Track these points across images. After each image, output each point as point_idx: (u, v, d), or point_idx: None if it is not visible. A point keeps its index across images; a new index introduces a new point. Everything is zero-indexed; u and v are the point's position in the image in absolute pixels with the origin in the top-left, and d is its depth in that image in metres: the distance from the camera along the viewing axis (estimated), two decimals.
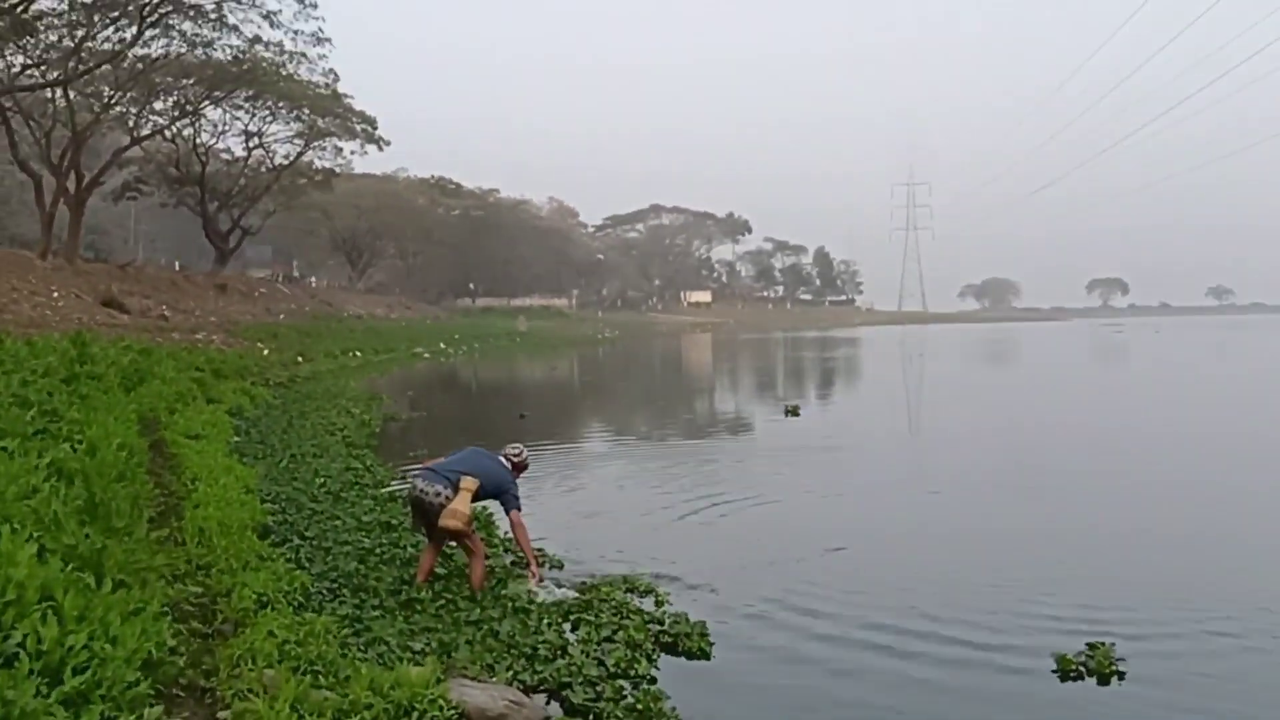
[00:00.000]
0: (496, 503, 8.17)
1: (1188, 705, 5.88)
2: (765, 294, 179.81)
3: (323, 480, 12.68)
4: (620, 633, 6.67)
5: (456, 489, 7.56)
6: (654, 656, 6.36)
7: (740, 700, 5.93)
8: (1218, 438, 18.77)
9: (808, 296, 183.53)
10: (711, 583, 8.45)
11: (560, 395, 34.34)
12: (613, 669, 6.08)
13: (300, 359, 36.89)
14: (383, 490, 12.62)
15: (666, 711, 5.37)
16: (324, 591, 7.60)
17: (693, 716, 5.48)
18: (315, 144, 58.63)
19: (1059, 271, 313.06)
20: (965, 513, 11.86)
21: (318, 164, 61.53)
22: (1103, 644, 6.26)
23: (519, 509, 7.95)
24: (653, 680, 6.05)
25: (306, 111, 53.96)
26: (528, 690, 5.83)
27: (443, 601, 7.36)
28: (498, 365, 51.50)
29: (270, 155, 58.69)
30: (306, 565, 8.29)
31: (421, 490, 7.67)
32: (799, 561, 9.25)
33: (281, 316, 51.58)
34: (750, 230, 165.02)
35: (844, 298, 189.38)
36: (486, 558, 8.52)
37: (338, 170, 64.02)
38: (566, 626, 7.00)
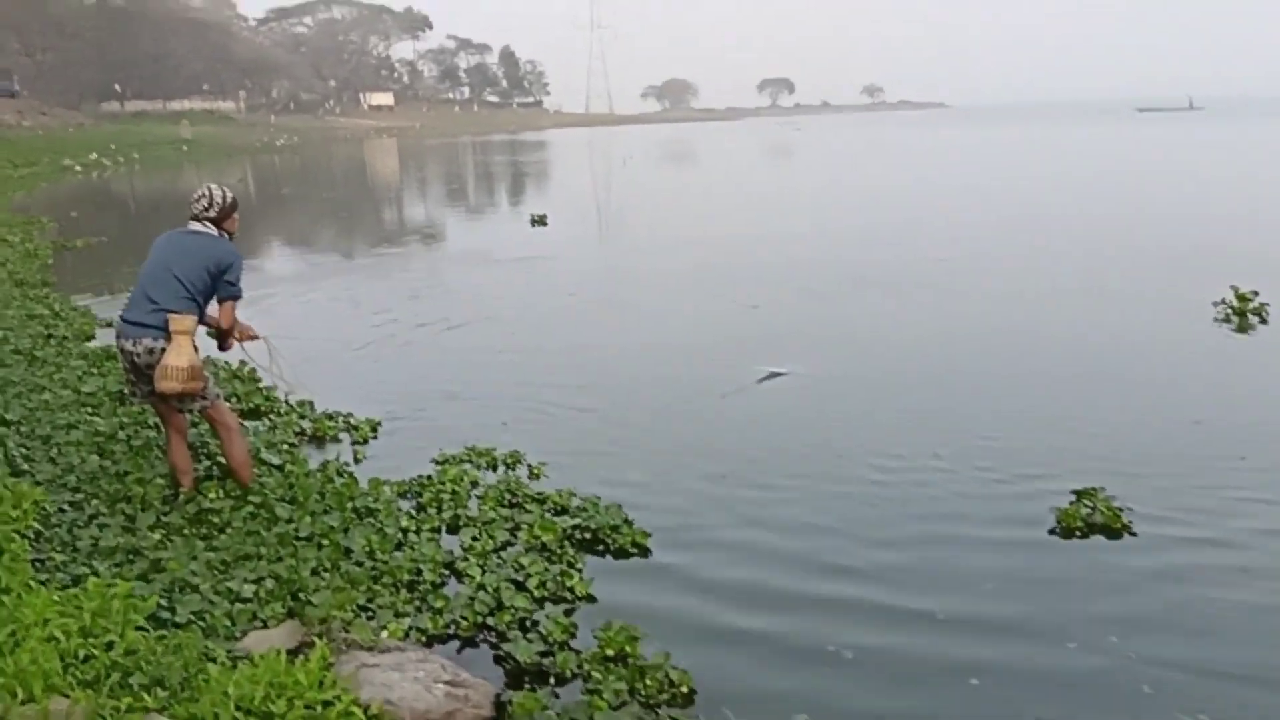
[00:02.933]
0: None
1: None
2: (451, 96, 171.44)
3: (1, 334, 9.78)
4: (522, 533, 5.02)
5: (168, 333, 5.19)
6: (578, 564, 4.77)
7: (727, 616, 4.47)
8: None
9: (494, 99, 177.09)
10: (567, 442, 6.90)
11: (261, 208, 30.37)
12: (538, 592, 4.48)
13: None
14: (90, 344, 9.92)
15: (660, 661, 3.83)
16: (67, 509, 5.37)
17: (697, 666, 3.97)
18: None
19: (732, 72, 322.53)
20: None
21: None
22: (1092, 490, 5.36)
23: (238, 296, 5.42)
24: (592, 600, 4.51)
25: None
26: (430, 643, 4.14)
27: (244, 507, 5.36)
28: (166, 178, 45.44)
29: None
30: (27, 469, 5.94)
31: (126, 351, 5.31)
32: (670, 406, 7.84)
33: None
34: (431, 27, 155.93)
35: (532, 100, 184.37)
36: (253, 434, 6.43)
37: None
38: (440, 528, 5.26)
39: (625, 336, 10.52)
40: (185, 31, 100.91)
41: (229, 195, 5.54)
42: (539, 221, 20.55)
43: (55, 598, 3.61)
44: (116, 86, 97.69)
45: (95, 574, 4.56)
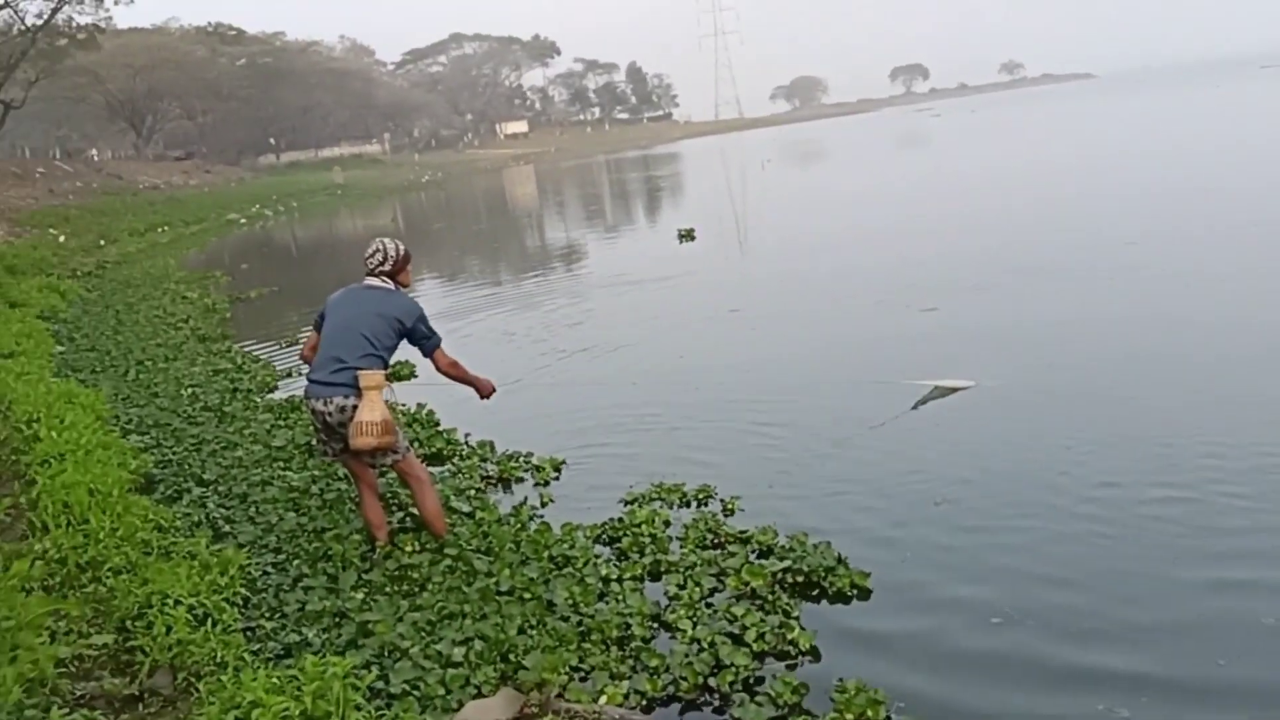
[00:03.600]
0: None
1: None
2: (582, 117, 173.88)
3: (191, 390, 10.15)
4: (729, 578, 4.75)
5: (359, 390, 5.13)
6: (794, 612, 4.45)
7: (969, 677, 3.98)
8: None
9: (625, 115, 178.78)
10: (754, 470, 6.58)
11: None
12: (757, 645, 4.18)
13: (103, 242, 32.46)
14: (273, 395, 10.19)
15: None
16: (271, 572, 5.39)
17: None
18: None
19: (862, 63, 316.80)
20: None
21: (77, 20, 53.75)
22: None
23: (439, 343, 5.44)
24: (816, 655, 4.18)
25: None
26: (651, 707, 3.90)
27: (442, 560, 5.26)
28: (325, 222, 47.40)
29: (20, 16, 50.68)
30: (228, 530, 6.03)
31: (317, 411, 5.26)
32: (856, 425, 7.43)
33: (70, 197, 45.63)
34: (559, 52, 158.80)
35: (661, 113, 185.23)
36: (438, 480, 6.37)
37: (102, 26, 56.24)
38: (642, 576, 5.02)
39: (797, 350, 10.04)
40: (329, 82, 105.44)
41: (401, 248, 5.50)
42: (686, 236, 20.32)
43: (274, 679, 3.52)
44: (271, 140, 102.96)
45: (306, 642, 4.54)
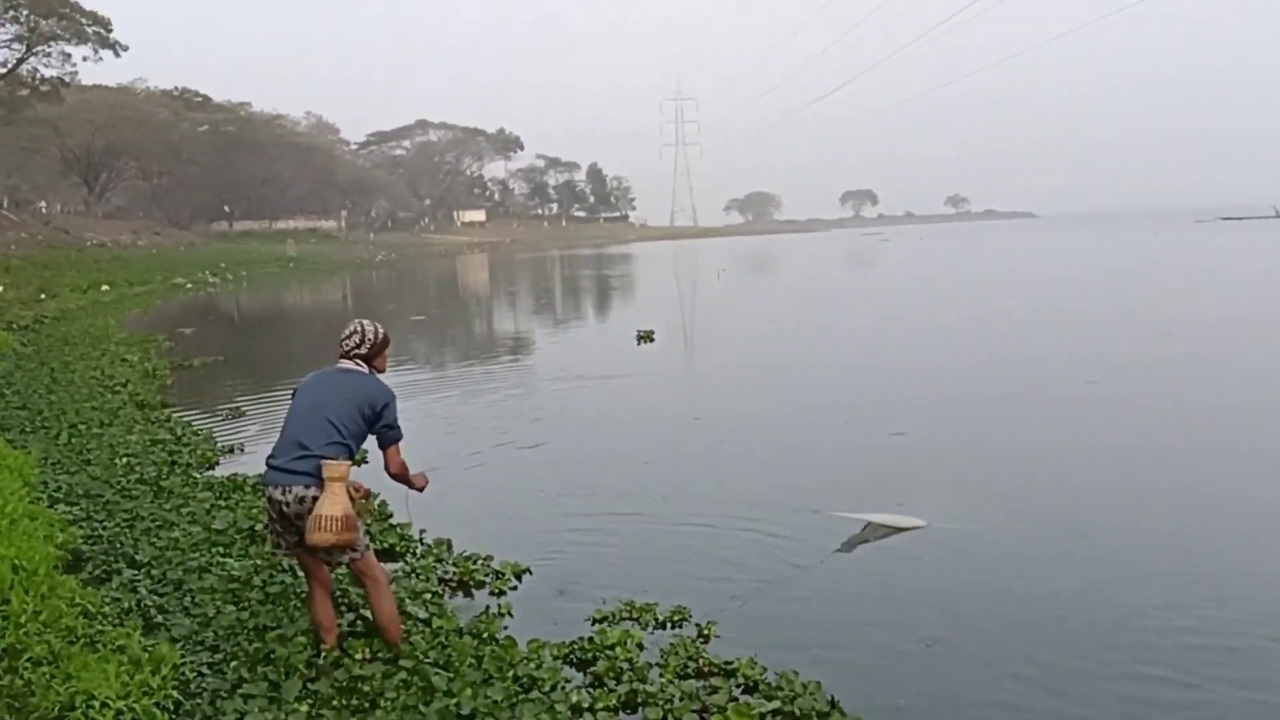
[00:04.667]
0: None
1: None
2: (539, 212, 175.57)
3: (127, 460, 9.62)
4: (713, 716, 4.39)
5: (321, 480, 4.77)
6: None
7: None
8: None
9: (582, 213, 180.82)
10: (727, 593, 6.26)
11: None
12: None
13: (43, 296, 31.66)
14: (214, 472, 9.67)
15: None
16: (205, 673, 4.91)
17: None
18: (38, 49, 50.64)
19: (815, 184, 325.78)
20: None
21: (42, 72, 53.36)
22: None
23: (399, 439, 5.08)
24: None
25: (25, 11, 46.26)
26: None
27: (397, 674, 4.83)
28: (274, 294, 46.76)
29: None
30: (161, 621, 5.54)
31: (274, 500, 4.89)
32: (829, 552, 7.17)
33: (13, 247, 44.62)
34: (522, 147, 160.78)
35: (618, 214, 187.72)
36: (392, 580, 5.97)
37: (66, 80, 55.90)
38: (616, 708, 4.63)
39: (766, 469, 9.63)
40: (291, 155, 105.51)
41: (380, 331, 5.19)
42: (645, 338, 20.19)
43: None
44: (226, 208, 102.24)
45: None
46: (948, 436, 10.67)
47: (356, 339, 5.12)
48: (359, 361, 5.12)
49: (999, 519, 7.60)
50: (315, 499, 4.77)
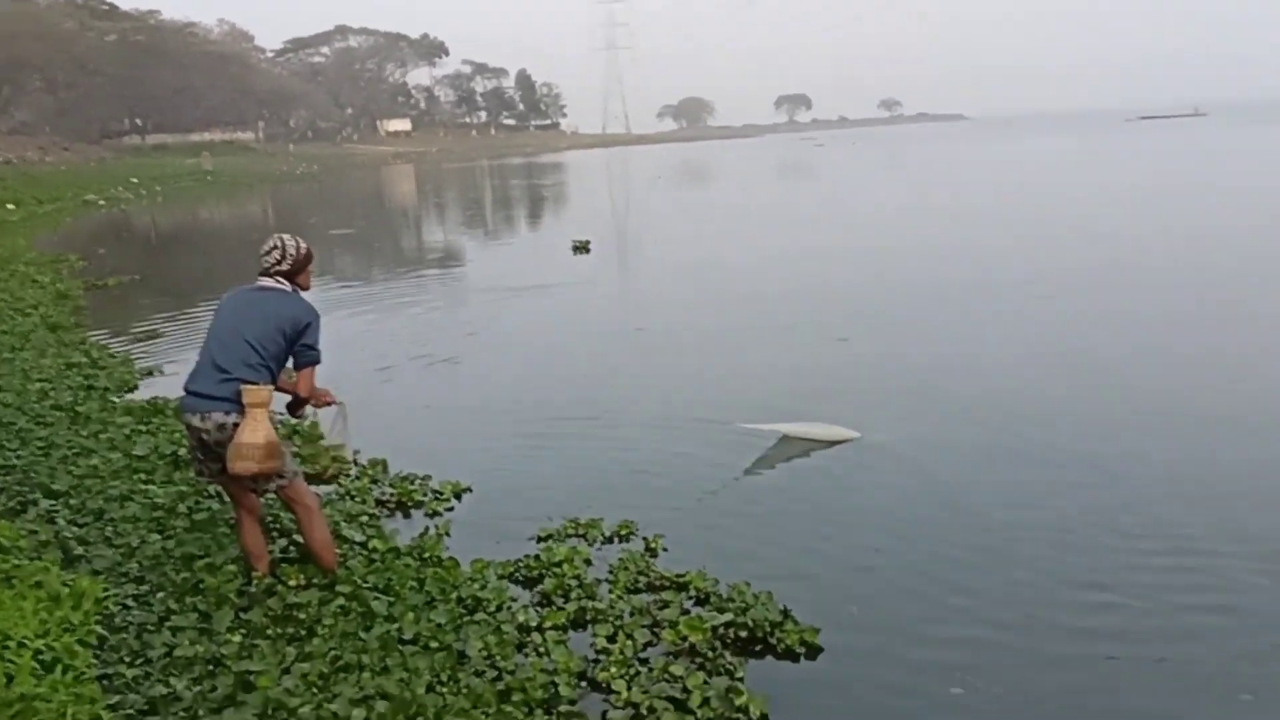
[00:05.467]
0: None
1: None
2: (467, 120, 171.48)
3: (40, 386, 9.16)
4: (665, 631, 4.28)
5: (241, 405, 4.55)
6: (738, 672, 4.02)
7: None
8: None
9: (511, 122, 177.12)
10: (671, 505, 6.13)
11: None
12: (703, 713, 3.72)
13: None
14: (133, 396, 9.28)
15: None
16: (130, 606, 4.68)
17: None
18: None
19: (749, 89, 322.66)
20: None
21: None
22: None
23: (317, 362, 4.78)
24: None
25: None
26: None
27: (334, 600, 4.63)
28: (190, 210, 45.22)
29: None
30: (82, 554, 5.26)
31: (193, 428, 4.63)
32: (773, 463, 7.07)
33: None
34: (447, 53, 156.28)
35: (548, 122, 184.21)
36: (326, 503, 5.75)
37: None
38: (565, 625, 4.50)
39: (708, 381, 9.36)
40: (204, 65, 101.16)
41: (303, 246, 4.84)
42: (581, 249, 19.81)
43: None
44: (137, 121, 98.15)
45: (175, 695, 3.90)
46: (887, 346, 10.58)
47: (277, 255, 4.78)
48: (280, 279, 4.79)
49: (940, 431, 7.48)
50: (236, 426, 4.50)
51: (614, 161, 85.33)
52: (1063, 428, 7.44)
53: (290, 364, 4.80)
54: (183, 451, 6.83)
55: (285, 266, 4.77)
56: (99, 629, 4.32)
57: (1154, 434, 7.23)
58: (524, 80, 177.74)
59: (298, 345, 4.72)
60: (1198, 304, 12.01)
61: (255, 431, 4.45)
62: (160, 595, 4.78)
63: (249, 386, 4.48)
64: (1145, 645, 4.27)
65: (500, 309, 14.07)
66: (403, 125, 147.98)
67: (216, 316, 4.74)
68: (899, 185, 39.07)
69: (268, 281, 4.77)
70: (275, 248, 4.77)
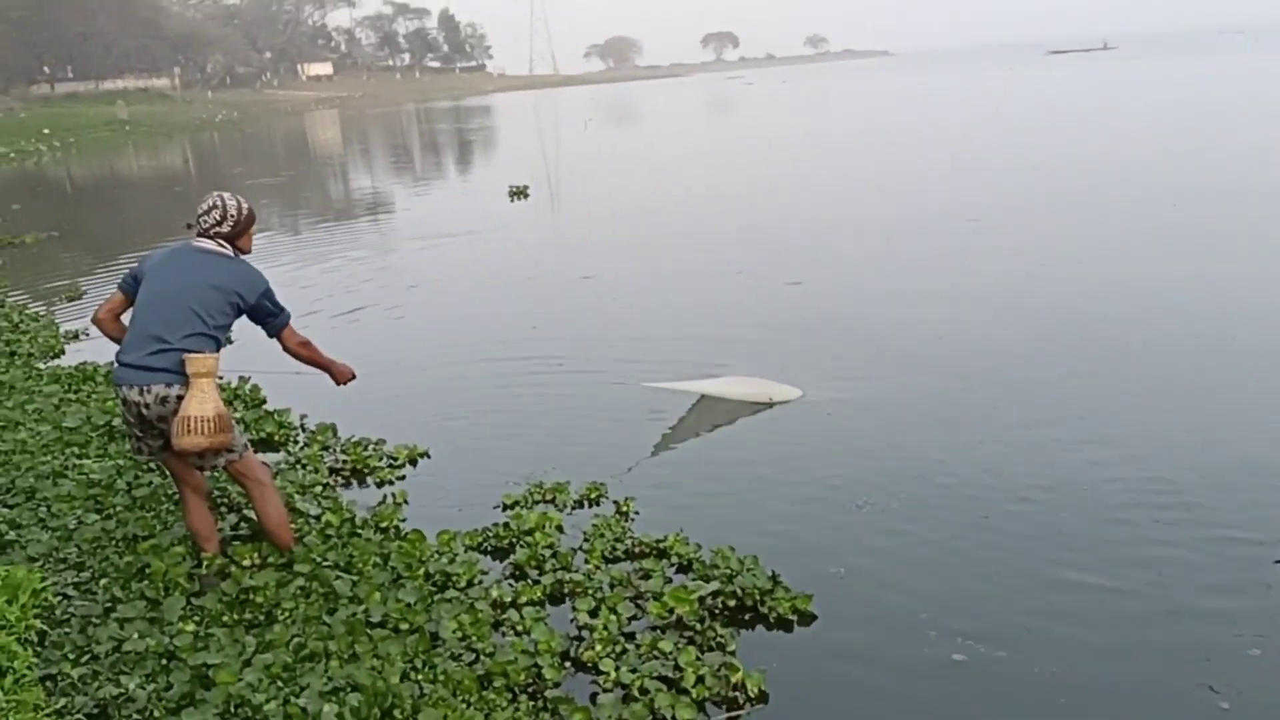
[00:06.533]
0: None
1: None
2: (391, 63, 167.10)
3: None
4: (650, 604, 4.08)
5: (185, 376, 4.16)
6: (731, 645, 3.84)
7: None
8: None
9: (436, 64, 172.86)
10: (636, 464, 5.92)
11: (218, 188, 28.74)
12: (698, 692, 3.53)
13: None
14: (59, 362, 8.79)
15: None
16: (71, 596, 4.36)
17: None
18: None
19: (675, 26, 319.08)
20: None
21: None
22: None
23: (288, 320, 4.52)
24: (765, 700, 3.57)
25: None
26: None
27: (293, 580, 4.35)
28: (108, 161, 43.54)
29: None
30: (14, 539, 4.91)
31: (130, 402, 4.22)
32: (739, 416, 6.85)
33: None
34: None
35: (474, 64, 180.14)
36: (276, 473, 5.44)
37: None
38: (542, 600, 4.27)
39: (660, 332, 9.06)
40: (112, 7, 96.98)
41: (245, 207, 4.46)
42: (519, 194, 19.37)
43: None
44: (45, 68, 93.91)
45: (128, 696, 3.61)
46: (838, 289, 10.42)
47: (217, 215, 4.39)
48: (221, 242, 4.42)
49: (896, 381, 7.33)
50: (180, 398, 4.16)
51: (543, 103, 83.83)
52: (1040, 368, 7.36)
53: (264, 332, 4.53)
54: (117, 422, 6.45)
55: (225, 229, 4.40)
56: (38, 624, 4.01)
57: (1123, 372, 7.14)
58: (447, 20, 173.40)
59: (260, 315, 4.42)
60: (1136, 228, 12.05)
61: (203, 403, 4.12)
62: (104, 582, 4.46)
63: (193, 355, 4.13)
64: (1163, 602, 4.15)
65: (440, 258, 13.67)
66: (324, 69, 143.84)
67: (149, 279, 4.35)
68: (834, 120, 38.90)
69: (207, 244, 4.39)
70: (215, 207, 4.39)
